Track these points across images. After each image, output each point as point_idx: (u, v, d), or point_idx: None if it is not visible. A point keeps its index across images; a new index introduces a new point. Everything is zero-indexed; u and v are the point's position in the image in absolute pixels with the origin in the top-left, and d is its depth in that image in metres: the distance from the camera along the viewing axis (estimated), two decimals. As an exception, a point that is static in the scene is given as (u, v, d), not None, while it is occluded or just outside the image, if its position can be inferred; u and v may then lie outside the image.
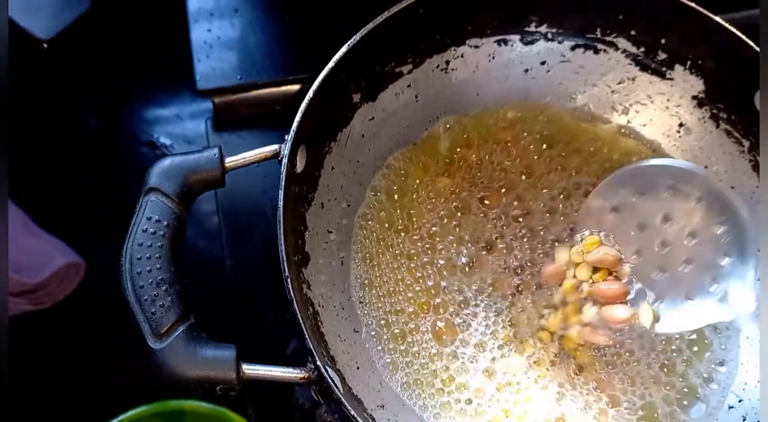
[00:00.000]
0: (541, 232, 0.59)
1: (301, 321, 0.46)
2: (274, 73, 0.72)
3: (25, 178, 0.72)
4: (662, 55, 0.59)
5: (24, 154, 0.73)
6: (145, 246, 0.45)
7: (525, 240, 0.60)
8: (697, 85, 0.59)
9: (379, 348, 0.56)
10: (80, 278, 0.68)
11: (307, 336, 0.46)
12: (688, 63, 0.59)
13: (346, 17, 0.71)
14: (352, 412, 0.45)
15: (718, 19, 0.54)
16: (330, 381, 0.45)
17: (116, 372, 0.67)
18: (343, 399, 0.45)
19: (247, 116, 0.73)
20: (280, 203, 0.48)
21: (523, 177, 0.61)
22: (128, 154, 0.75)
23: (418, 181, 0.61)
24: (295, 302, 0.46)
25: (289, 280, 0.47)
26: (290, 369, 0.46)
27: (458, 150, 0.62)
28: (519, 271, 0.58)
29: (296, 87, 0.72)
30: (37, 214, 0.69)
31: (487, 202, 0.61)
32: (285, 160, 0.49)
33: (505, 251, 0.59)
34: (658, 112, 0.62)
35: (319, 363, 0.45)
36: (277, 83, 0.72)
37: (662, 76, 0.60)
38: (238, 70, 0.71)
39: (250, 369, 0.45)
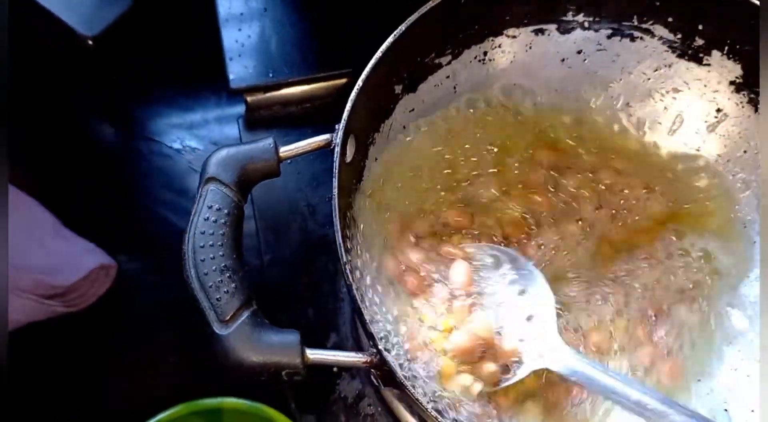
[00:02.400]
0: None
1: (360, 305, 0.46)
2: (304, 70, 0.72)
3: (54, 182, 0.72)
4: (699, 41, 0.60)
5: (52, 158, 0.73)
6: (207, 234, 0.45)
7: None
8: (734, 70, 0.60)
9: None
10: (112, 280, 0.68)
11: (367, 321, 0.46)
12: (726, 48, 0.59)
13: (372, 13, 0.72)
14: (416, 395, 0.45)
15: (755, 1, 0.55)
16: (392, 364, 0.45)
17: (152, 371, 0.67)
18: (405, 382, 0.45)
19: (278, 115, 0.73)
20: (335, 190, 0.48)
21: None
22: (155, 157, 0.75)
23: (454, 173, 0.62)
24: (354, 288, 0.47)
25: (346, 267, 0.47)
26: (353, 354, 0.46)
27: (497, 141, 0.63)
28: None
29: (327, 83, 0.73)
30: (65, 218, 0.69)
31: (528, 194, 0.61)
32: (337, 149, 0.49)
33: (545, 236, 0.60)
34: (695, 98, 0.62)
35: (381, 346, 0.45)
36: (308, 80, 0.73)
37: (699, 62, 0.61)
38: (269, 68, 0.72)
39: (314, 354, 0.45)
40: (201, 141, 0.77)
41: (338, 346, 0.65)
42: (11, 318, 0.62)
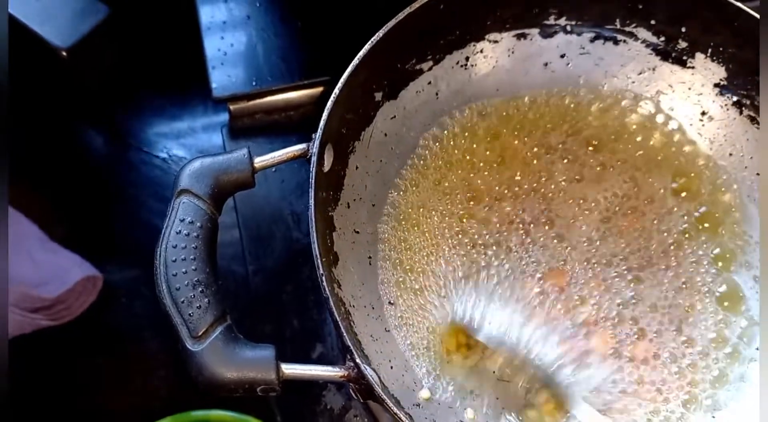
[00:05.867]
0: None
1: (337, 319, 0.46)
2: (288, 78, 0.72)
3: (40, 194, 0.72)
4: (683, 44, 0.59)
5: (38, 170, 0.73)
6: (180, 248, 0.45)
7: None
8: (718, 72, 0.59)
9: (409, 345, 0.56)
10: (98, 291, 0.68)
11: (344, 334, 0.45)
12: (709, 50, 0.59)
13: (357, 21, 0.71)
14: (394, 409, 0.44)
15: (738, 4, 0.54)
16: (370, 378, 0.45)
17: (140, 383, 0.66)
18: (384, 396, 0.45)
19: (262, 123, 0.73)
20: (311, 201, 0.48)
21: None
22: (142, 167, 0.75)
23: (441, 179, 0.61)
24: (330, 300, 0.46)
25: (323, 278, 0.46)
26: (329, 368, 0.46)
27: (481, 145, 0.62)
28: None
29: (310, 91, 0.72)
30: (52, 230, 0.68)
31: (511, 199, 0.61)
32: (314, 158, 0.49)
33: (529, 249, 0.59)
34: (679, 101, 0.62)
35: (358, 360, 0.44)
36: (292, 88, 0.72)
37: (683, 64, 0.60)
38: (252, 76, 0.71)
39: (289, 369, 0.45)
40: (188, 150, 0.76)
41: (323, 357, 0.64)
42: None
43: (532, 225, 0.59)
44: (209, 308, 0.44)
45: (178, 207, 0.46)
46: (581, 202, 0.60)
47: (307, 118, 0.72)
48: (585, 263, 0.58)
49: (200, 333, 0.43)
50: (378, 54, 0.53)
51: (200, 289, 0.44)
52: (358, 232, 0.57)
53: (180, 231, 0.45)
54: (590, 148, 0.62)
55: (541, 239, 0.59)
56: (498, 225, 0.59)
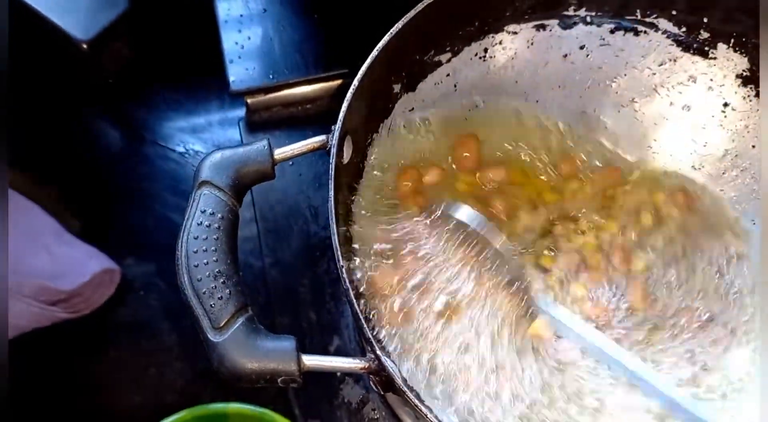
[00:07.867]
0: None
1: (358, 311, 0.45)
2: (305, 71, 0.72)
3: (58, 187, 0.72)
4: (704, 34, 0.59)
5: (56, 163, 0.73)
6: (201, 240, 0.45)
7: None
8: (741, 63, 0.59)
9: (429, 340, 0.55)
10: (115, 284, 0.68)
11: (365, 326, 0.45)
12: (732, 41, 0.58)
13: (373, 13, 0.70)
14: (414, 401, 0.44)
15: (758, -5, 0.54)
16: (390, 370, 0.44)
17: (157, 376, 0.66)
18: (404, 388, 0.44)
19: (279, 117, 0.73)
20: (331, 193, 0.48)
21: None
22: (160, 161, 0.75)
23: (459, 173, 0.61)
24: (351, 292, 0.46)
25: (343, 270, 0.46)
26: (350, 360, 0.45)
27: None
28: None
29: (327, 84, 0.72)
30: (70, 223, 0.69)
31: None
32: (333, 150, 0.49)
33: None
34: (701, 92, 0.61)
35: (379, 352, 0.44)
36: (309, 81, 0.72)
37: (705, 55, 0.60)
38: (269, 69, 0.71)
39: (310, 360, 0.44)
40: (204, 144, 0.76)
41: (341, 350, 0.64)
42: (15, 324, 0.62)
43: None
44: (230, 299, 0.44)
45: (199, 198, 0.46)
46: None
47: (324, 112, 0.72)
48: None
49: (222, 324, 0.43)
50: (397, 46, 0.53)
51: (222, 280, 0.44)
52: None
53: (201, 222, 0.45)
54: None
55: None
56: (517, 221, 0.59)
